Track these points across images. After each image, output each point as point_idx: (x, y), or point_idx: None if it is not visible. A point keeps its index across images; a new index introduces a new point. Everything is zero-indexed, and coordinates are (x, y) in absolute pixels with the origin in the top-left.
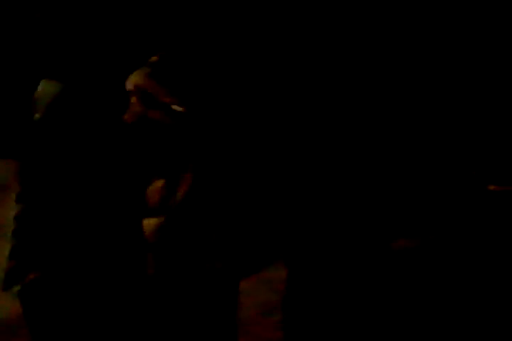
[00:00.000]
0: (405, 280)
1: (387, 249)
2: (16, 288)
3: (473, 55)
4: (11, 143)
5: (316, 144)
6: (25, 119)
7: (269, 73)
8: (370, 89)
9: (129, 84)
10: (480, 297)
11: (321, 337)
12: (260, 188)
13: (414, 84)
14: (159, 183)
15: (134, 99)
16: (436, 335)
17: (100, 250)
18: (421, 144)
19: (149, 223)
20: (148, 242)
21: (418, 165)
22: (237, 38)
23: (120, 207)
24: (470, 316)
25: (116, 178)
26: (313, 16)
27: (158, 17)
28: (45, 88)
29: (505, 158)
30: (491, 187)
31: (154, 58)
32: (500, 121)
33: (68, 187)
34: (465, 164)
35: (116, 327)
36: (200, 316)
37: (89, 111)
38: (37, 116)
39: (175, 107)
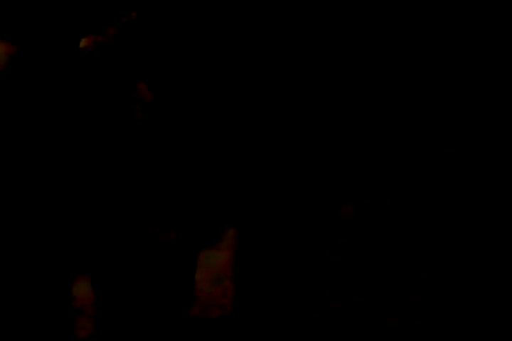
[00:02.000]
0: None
1: (337, 213)
2: None
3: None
4: None
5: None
6: None
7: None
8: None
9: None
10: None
11: (269, 300)
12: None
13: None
14: None
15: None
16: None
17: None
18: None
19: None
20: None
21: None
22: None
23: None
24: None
25: (72, 145)
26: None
27: None
28: None
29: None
30: (447, 150)
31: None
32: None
33: (24, 159)
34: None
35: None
36: (156, 283)
37: (41, 74)
38: None
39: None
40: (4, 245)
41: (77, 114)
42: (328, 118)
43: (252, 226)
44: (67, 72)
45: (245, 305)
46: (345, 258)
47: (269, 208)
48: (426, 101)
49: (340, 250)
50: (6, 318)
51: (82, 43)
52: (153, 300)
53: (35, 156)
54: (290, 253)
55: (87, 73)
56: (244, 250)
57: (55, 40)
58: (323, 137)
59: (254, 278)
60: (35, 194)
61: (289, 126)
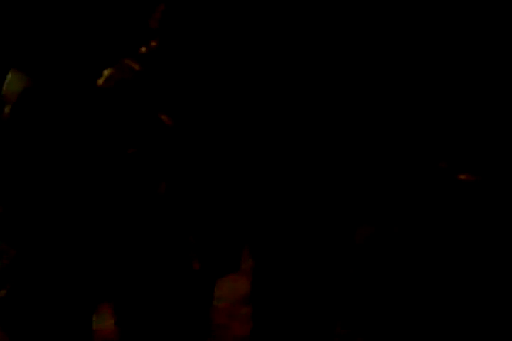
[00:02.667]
0: (368, 268)
1: (350, 238)
2: None
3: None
4: None
5: (281, 136)
6: None
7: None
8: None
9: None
10: (439, 288)
11: (287, 327)
12: (227, 181)
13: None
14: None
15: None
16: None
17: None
18: (391, 134)
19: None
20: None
21: (387, 155)
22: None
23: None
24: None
25: (91, 172)
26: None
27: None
28: (13, 82)
29: (474, 148)
30: (461, 177)
31: (144, 49)
32: (472, 113)
33: (42, 183)
34: (434, 154)
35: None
36: (175, 311)
37: (59, 105)
38: (6, 110)
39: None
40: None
41: (94, 145)
42: (345, 148)
43: (268, 253)
44: (82, 103)
45: (262, 334)
46: (358, 280)
47: (285, 232)
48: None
49: (353, 272)
50: None
51: (102, 78)
52: (171, 327)
53: (55, 187)
54: (306, 277)
55: (104, 106)
56: (260, 276)
57: (72, 71)
58: (341, 166)
59: (271, 303)
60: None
61: (307, 152)
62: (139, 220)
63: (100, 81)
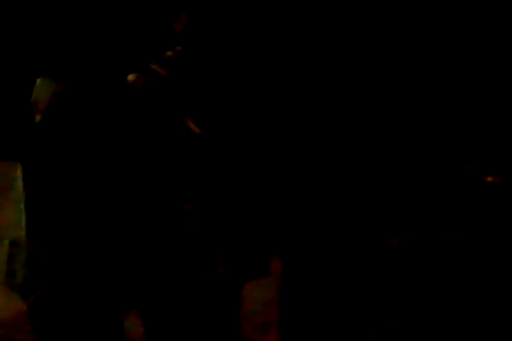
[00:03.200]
0: (401, 275)
1: (383, 245)
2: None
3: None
4: (9, 145)
5: (313, 142)
6: (25, 121)
7: (269, 74)
8: (369, 88)
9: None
10: (478, 294)
11: (315, 333)
12: (257, 187)
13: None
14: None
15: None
16: (433, 332)
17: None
18: (417, 138)
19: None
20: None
21: (415, 160)
22: (237, 39)
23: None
24: (468, 314)
25: (121, 179)
26: (313, 17)
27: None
28: (42, 89)
29: (501, 151)
30: (488, 179)
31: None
32: (497, 116)
33: (74, 189)
34: (462, 156)
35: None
36: (203, 317)
37: (89, 111)
38: (37, 118)
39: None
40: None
41: (126, 150)
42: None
43: (298, 259)
44: (114, 108)
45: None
46: (389, 290)
47: (315, 241)
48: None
49: (385, 281)
50: None
51: (129, 80)
52: (199, 334)
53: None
54: (336, 286)
55: (134, 110)
56: (290, 283)
57: (101, 77)
58: (372, 171)
59: (300, 311)
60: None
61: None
62: (166, 226)
63: (127, 86)
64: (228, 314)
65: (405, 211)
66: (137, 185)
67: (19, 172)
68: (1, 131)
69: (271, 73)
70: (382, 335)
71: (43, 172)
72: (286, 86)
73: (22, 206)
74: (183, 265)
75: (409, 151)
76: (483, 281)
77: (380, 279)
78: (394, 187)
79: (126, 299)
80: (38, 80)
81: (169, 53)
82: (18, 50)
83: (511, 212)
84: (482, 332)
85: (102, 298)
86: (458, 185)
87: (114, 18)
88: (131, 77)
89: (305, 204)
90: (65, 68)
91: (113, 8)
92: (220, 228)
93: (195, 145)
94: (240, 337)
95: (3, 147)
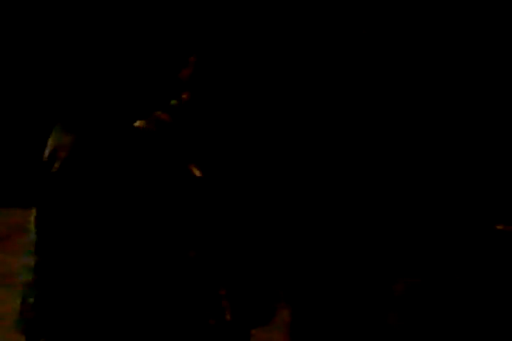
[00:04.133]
0: (407, 320)
1: (388, 290)
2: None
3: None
4: (16, 192)
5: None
6: (40, 169)
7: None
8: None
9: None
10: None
11: None
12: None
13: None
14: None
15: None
16: None
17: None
18: (430, 184)
19: None
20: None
21: (426, 205)
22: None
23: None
24: None
25: (129, 223)
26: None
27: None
28: (59, 138)
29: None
30: (499, 227)
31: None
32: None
33: (87, 236)
34: (473, 204)
35: None
36: None
37: (105, 160)
38: (56, 166)
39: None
40: None
41: (134, 194)
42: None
43: (305, 305)
44: (123, 154)
45: None
46: (395, 330)
47: (321, 286)
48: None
49: (390, 323)
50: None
51: (136, 126)
52: None
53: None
54: (344, 329)
55: (141, 155)
56: (298, 329)
57: (112, 125)
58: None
59: None
60: None
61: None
62: (171, 272)
63: (133, 133)
64: None
65: (413, 255)
66: (144, 229)
67: (32, 218)
68: (19, 178)
69: (277, 123)
70: None
71: (58, 217)
72: (292, 136)
73: (33, 250)
74: (188, 311)
75: (422, 195)
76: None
77: (386, 323)
78: (403, 230)
79: None
80: (55, 128)
81: (174, 101)
82: (39, 98)
83: None
84: None
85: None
86: (469, 231)
87: (123, 68)
88: (137, 124)
89: (310, 247)
90: (80, 117)
91: (122, 60)
92: (225, 273)
93: (198, 190)
94: None
95: (18, 193)
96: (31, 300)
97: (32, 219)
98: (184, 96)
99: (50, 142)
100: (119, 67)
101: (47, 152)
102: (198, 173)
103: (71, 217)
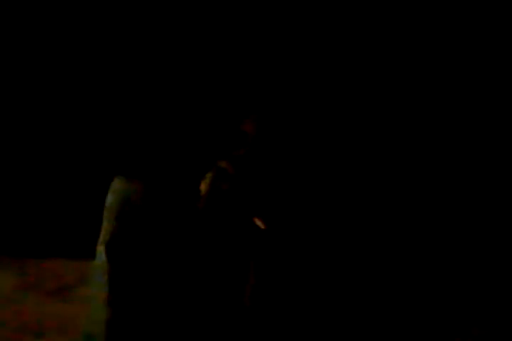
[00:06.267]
0: None
1: None
2: None
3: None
4: (82, 244)
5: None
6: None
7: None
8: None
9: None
10: None
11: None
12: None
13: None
14: None
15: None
16: None
17: None
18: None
19: None
20: None
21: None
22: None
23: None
24: None
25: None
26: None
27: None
28: (120, 191)
29: None
30: None
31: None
32: None
33: (158, 288)
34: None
35: None
36: None
37: (166, 212)
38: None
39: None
40: None
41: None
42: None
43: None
44: (185, 206)
45: None
46: None
47: None
48: None
49: None
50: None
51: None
52: None
53: None
54: None
55: (203, 207)
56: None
57: (177, 176)
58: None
59: None
60: None
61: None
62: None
63: (199, 185)
64: None
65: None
66: (206, 283)
67: (93, 271)
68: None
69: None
70: None
71: (128, 268)
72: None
73: (97, 301)
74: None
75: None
76: None
77: None
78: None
79: None
80: (115, 182)
81: (238, 152)
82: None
83: None
84: None
85: None
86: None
87: (186, 122)
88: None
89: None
90: (143, 170)
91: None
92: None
93: (261, 242)
94: None
95: (79, 245)
96: None
97: (93, 271)
98: (247, 147)
99: (115, 189)
100: (182, 121)
101: (112, 199)
102: (262, 226)
103: (139, 266)
